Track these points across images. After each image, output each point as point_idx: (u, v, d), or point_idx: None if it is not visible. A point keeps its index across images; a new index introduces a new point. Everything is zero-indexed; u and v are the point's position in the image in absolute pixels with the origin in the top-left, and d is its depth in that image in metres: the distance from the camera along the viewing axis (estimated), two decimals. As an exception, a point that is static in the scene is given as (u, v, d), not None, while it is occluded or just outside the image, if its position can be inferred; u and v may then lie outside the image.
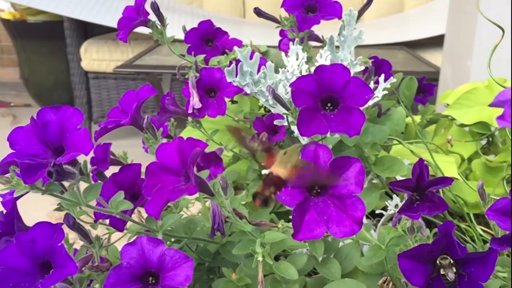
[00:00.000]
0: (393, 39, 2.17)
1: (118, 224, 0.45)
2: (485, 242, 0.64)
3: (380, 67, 0.79)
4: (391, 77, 0.58)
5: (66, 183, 0.42)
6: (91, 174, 0.51)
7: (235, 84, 0.55)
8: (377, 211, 0.63)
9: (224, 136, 0.78)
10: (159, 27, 0.67)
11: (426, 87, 0.90)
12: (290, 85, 0.44)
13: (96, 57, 2.16)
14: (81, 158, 0.41)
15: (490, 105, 0.25)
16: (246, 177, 0.75)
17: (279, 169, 0.39)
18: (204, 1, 2.70)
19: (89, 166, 0.41)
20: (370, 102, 0.58)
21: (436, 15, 2.07)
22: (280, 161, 0.39)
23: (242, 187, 0.76)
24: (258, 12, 0.65)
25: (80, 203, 0.39)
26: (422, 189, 0.40)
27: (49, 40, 2.42)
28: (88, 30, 2.22)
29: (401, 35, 2.19)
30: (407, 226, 0.41)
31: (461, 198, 0.64)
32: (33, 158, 0.37)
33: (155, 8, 0.64)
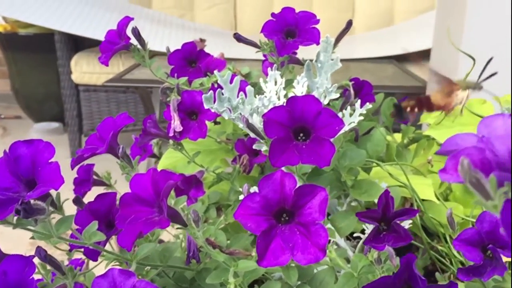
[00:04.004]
0: (383, 52, 2.20)
1: (92, 254, 0.45)
2: (462, 264, 0.65)
3: (362, 88, 0.80)
4: (367, 103, 0.59)
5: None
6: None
7: (213, 110, 0.56)
8: (356, 234, 0.64)
9: (206, 157, 0.78)
10: (140, 51, 0.68)
11: (408, 106, 0.91)
12: (263, 116, 0.45)
13: (86, 70, 2.16)
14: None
15: (437, 153, 0.26)
16: (228, 198, 0.76)
17: (435, 93, 0.40)
18: (195, 14, 2.72)
19: (62, 198, 0.42)
20: (347, 127, 0.59)
21: (425, 29, 2.10)
22: (441, 88, 0.41)
23: (225, 208, 0.76)
24: (238, 37, 0.66)
25: (52, 235, 0.39)
26: (388, 219, 0.41)
27: (39, 53, 2.42)
28: (79, 43, 2.23)
29: (391, 49, 2.22)
30: (374, 257, 0.42)
31: (437, 220, 0.65)
32: (4, 193, 0.37)
33: (136, 34, 0.64)
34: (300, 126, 0.45)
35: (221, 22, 2.68)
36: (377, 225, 0.41)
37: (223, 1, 2.69)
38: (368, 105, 0.59)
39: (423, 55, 2.08)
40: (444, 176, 0.23)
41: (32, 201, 0.36)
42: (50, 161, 0.38)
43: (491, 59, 0.42)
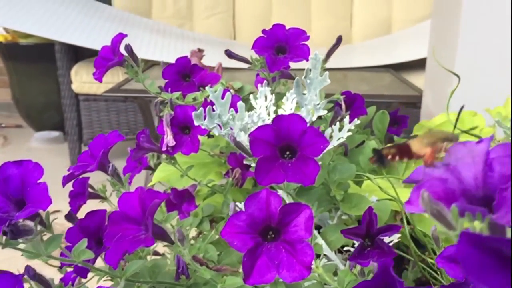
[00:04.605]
0: (380, 61, 2.21)
1: (81, 272, 0.46)
2: (452, 277, 0.65)
3: (353, 102, 0.81)
4: (355, 120, 0.60)
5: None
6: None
7: (203, 127, 0.57)
8: (346, 248, 0.65)
9: (200, 170, 0.79)
10: (134, 66, 0.69)
11: (400, 118, 0.92)
12: (249, 135, 0.46)
13: (86, 80, 2.18)
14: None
15: (404, 182, 0.26)
16: (222, 210, 0.77)
17: (415, 142, 0.40)
18: (195, 23, 2.74)
19: (52, 216, 0.42)
20: (336, 143, 0.60)
21: (422, 37, 2.11)
22: (421, 137, 0.40)
23: (218, 220, 0.77)
24: (229, 54, 0.67)
25: (41, 254, 0.40)
26: (372, 236, 0.42)
27: (40, 62, 2.44)
28: (79, 53, 2.25)
29: (388, 58, 2.23)
30: (358, 270, 0.42)
31: (424, 232, 0.66)
32: (-6, 213, 0.38)
33: (129, 51, 0.65)
34: (286, 144, 0.46)
35: (220, 31, 2.70)
36: (361, 241, 0.41)
37: (222, 10, 2.71)
38: (356, 121, 0.60)
39: (421, 64, 2.09)
40: (409, 207, 0.23)
41: (20, 222, 0.37)
42: (38, 181, 0.39)
43: (463, 107, 0.43)
